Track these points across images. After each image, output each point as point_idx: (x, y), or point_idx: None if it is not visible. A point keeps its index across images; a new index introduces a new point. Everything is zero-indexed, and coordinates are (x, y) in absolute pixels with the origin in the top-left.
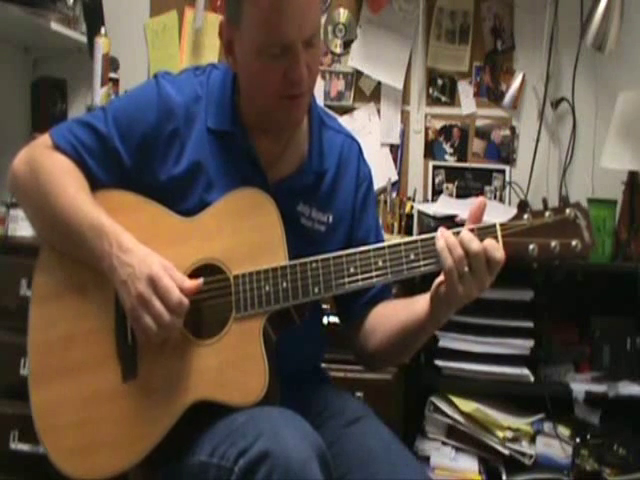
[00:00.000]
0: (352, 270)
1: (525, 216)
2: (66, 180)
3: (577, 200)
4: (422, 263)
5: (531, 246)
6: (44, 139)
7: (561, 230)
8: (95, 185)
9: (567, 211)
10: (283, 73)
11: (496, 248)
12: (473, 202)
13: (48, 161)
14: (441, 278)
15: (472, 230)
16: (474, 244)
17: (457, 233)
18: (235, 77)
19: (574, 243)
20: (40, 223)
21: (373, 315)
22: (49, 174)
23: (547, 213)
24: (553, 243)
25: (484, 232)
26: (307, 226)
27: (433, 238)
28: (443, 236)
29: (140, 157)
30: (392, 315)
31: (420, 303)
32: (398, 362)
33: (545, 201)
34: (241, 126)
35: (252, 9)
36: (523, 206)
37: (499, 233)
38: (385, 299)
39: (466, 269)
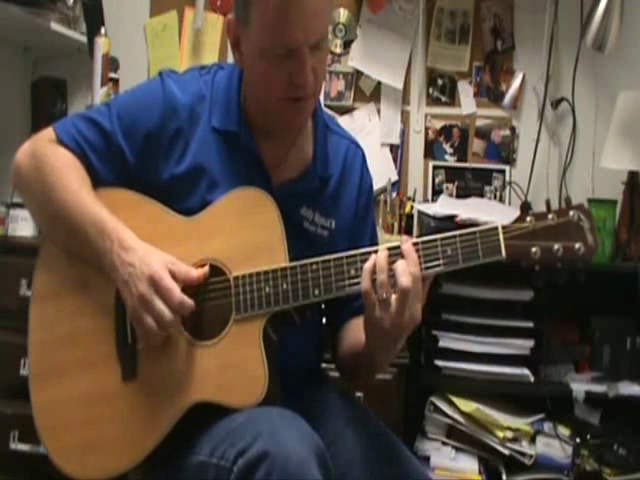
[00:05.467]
0: (352, 272)
1: (528, 218)
2: (69, 175)
3: (580, 202)
4: (423, 265)
5: (533, 249)
6: (48, 133)
7: (564, 233)
8: (97, 181)
9: (570, 213)
10: (288, 76)
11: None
12: (474, 202)
13: (51, 155)
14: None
15: (412, 245)
16: (404, 279)
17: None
18: (241, 78)
19: (577, 246)
20: (42, 217)
21: (347, 326)
22: (52, 168)
23: (550, 215)
24: (556, 246)
25: (486, 235)
26: (310, 231)
27: (435, 240)
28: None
29: (143, 155)
30: (352, 332)
31: None
32: (354, 381)
33: (548, 203)
34: (246, 127)
35: (260, 10)
36: (526, 208)
37: (501, 236)
38: None
39: (385, 295)
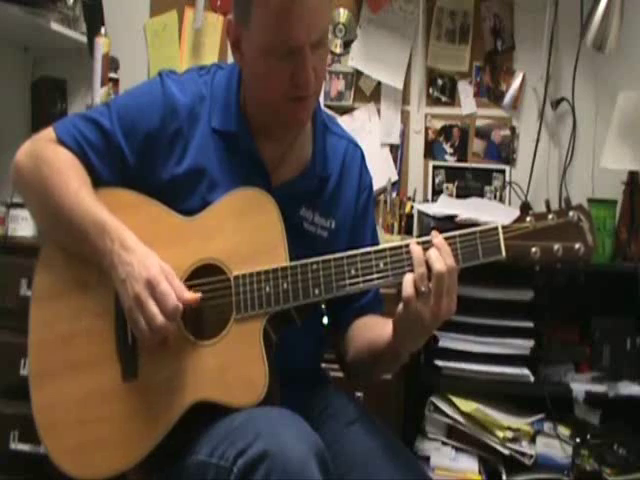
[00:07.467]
0: (353, 272)
1: (528, 218)
2: (69, 175)
3: (579, 202)
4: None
5: (533, 249)
6: (47, 132)
7: (564, 233)
8: (97, 181)
9: (570, 214)
10: (290, 75)
11: (454, 270)
12: (474, 202)
13: (51, 155)
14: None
15: (452, 237)
16: (438, 264)
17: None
18: (240, 78)
19: (577, 246)
20: (42, 217)
21: (356, 325)
22: (52, 168)
23: (550, 216)
24: (556, 246)
25: (486, 235)
26: (310, 231)
27: None
28: (414, 248)
29: (143, 155)
30: (368, 330)
31: (390, 325)
32: (369, 379)
33: (548, 203)
34: (245, 127)
35: (261, 10)
36: (526, 208)
37: (501, 236)
38: (374, 311)
39: (423, 288)
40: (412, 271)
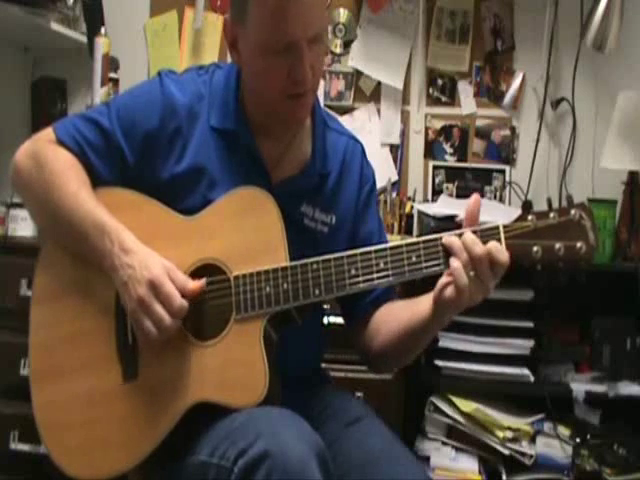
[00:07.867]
0: (353, 272)
1: (529, 217)
2: (69, 176)
3: (581, 201)
4: (424, 265)
5: (535, 248)
6: (47, 133)
7: (566, 232)
8: (97, 181)
9: (572, 212)
10: (287, 71)
11: (500, 251)
12: (469, 202)
13: (51, 155)
14: (445, 280)
15: (475, 232)
16: (477, 248)
17: (460, 235)
18: (239, 77)
19: (579, 245)
20: (41, 217)
21: (377, 316)
22: (52, 169)
23: (552, 214)
24: (557, 245)
25: (487, 234)
26: (310, 227)
27: (435, 240)
28: (450, 239)
29: (142, 155)
30: (396, 316)
31: (423, 304)
32: (402, 364)
33: (550, 201)
34: (245, 125)
35: (257, 7)
36: (527, 207)
37: (502, 235)
38: (389, 300)
39: (472, 273)
40: (447, 261)
